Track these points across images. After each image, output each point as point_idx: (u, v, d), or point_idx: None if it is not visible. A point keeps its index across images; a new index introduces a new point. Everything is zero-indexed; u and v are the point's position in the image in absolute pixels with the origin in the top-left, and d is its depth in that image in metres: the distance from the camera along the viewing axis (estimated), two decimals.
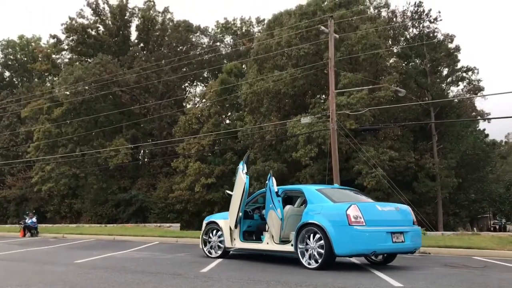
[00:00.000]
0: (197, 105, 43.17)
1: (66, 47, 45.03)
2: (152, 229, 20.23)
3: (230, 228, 9.61)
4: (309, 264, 7.98)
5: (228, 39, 47.94)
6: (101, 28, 44.27)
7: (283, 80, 29.10)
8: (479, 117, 34.86)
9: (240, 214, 9.44)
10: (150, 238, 15.15)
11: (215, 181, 34.93)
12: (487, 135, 41.99)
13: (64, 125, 39.06)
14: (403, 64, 30.34)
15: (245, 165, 9.62)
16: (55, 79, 44.70)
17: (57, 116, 38.38)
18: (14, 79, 53.00)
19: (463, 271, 7.85)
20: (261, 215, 9.94)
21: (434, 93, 30.57)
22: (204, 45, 46.89)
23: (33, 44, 50.77)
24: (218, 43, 47.16)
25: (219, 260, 9.36)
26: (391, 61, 31.41)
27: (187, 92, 49.58)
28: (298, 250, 8.15)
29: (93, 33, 43.56)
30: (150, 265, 8.87)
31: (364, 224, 7.62)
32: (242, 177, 9.31)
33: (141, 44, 45.97)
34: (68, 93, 37.50)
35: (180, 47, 45.58)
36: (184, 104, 46.16)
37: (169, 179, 39.42)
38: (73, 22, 42.31)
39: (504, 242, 11.27)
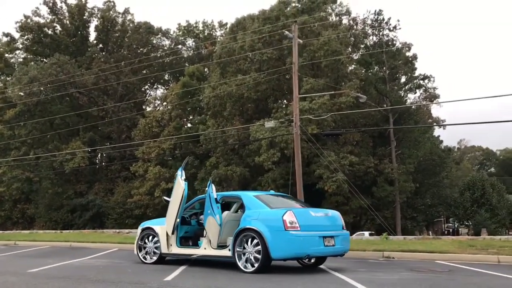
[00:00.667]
0: (158, 108, 42.44)
1: (20, 46, 43.32)
2: (111, 235, 19.55)
3: (167, 234, 9.64)
4: (245, 267, 8.16)
5: (190, 42, 47.49)
6: (58, 27, 42.88)
7: (246, 84, 29.05)
8: (435, 124, 36.00)
9: (178, 220, 9.49)
10: (109, 244, 14.58)
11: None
12: (441, 142, 43.51)
13: (17, 127, 37.50)
14: (363, 71, 30.93)
15: (183, 172, 9.66)
16: (8, 79, 42.90)
17: (10, 117, 36.79)
18: None
19: (430, 275, 7.93)
20: (198, 221, 9.99)
21: (392, 99, 31.34)
22: (165, 48, 46.25)
23: None
24: (179, 46, 46.61)
25: (183, 267, 9.06)
26: (351, 67, 31.99)
27: (147, 95, 48.73)
28: (236, 254, 8.33)
29: (49, 32, 42.13)
30: (111, 273, 8.48)
31: (299, 229, 7.93)
32: (180, 183, 9.36)
33: (100, 45, 44.83)
34: (22, 93, 36.03)
35: (141, 49, 44.80)
36: (144, 107, 45.33)
37: (127, 184, 38.53)
38: (28, 20, 40.79)
39: (465, 246, 11.53)
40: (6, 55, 44.95)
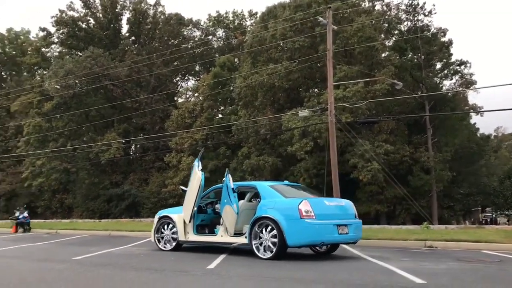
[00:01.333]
0: (190, 99, 42.68)
1: (56, 40, 44.25)
2: (148, 224, 19.84)
3: (184, 222, 10.01)
4: (263, 255, 8.52)
5: (220, 32, 47.46)
6: (91, 21, 43.55)
7: (278, 73, 28.81)
8: (472, 110, 34.87)
9: (195, 208, 9.91)
10: (147, 233, 14.77)
11: (208, 175, 34.44)
12: (477, 129, 42.18)
13: (54, 119, 38.44)
14: (397, 58, 30.17)
15: (200, 162, 10.20)
16: (44, 72, 43.97)
17: (48, 110, 37.74)
18: (2, 73, 52.07)
19: (479, 265, 7.67)
20: (214, 210, 10.44)
21: (428, 86, 30.50)
22: (196, 39, 46.38)
23: (21, 37, 49.86)
24: (210, 37, 46.65)
25: (223, 255, 9.09)
26: (385, 54, 31.26)
27: (179, 86, 49.07)
28: (252, 242, 8.71)
29: (83, 26, 42.84)
30: (153, 261, 8.59)
31: (314, 217, 8.29)
32: (198, 174, 9.86)
33: (132, 38, 45.32)
34: (58, 86, 36.87)
35: (172, 41, 45.04)
36: (175, 99, 45.70)
37: (161, 174, 39.01)
38: (63, 15, 41.57)
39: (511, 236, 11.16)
40: (43, 49, 46.05)
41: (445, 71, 32.67)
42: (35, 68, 48.78)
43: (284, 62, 29.10)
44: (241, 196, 9.97)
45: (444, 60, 32.69)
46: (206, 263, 7.88)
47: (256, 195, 9.70)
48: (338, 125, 26.88)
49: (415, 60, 31.33)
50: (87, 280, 6.39)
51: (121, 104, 39.66)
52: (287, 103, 32.90)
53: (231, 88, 33.97)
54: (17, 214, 20.37)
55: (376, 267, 7.58)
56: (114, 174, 40.08)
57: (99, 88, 39.53)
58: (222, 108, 39.47)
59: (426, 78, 30.52)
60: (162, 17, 44.67)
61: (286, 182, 11.18)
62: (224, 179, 9.40)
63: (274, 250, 8.37)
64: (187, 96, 45.00)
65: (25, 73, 49.44)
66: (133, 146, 44.26)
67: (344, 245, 10.08)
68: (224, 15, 46.71)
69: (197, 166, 10.11)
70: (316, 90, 32.47)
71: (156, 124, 41.68)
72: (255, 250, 8.63)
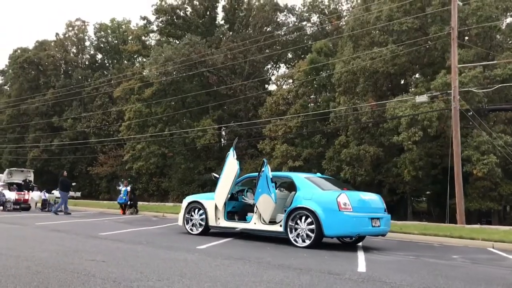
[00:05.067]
0: (283, 86, 41.91)
1: (155, 28, 45.58)
2: None
3: (216, 208, 10.35)
4: (296, 242, 8.94)
5: (314, 18, 46.05)
6: (188, 9, 44.29)
7: (383, 57, 27.03)
8: None
9: (229, 195, 10.29)
10: None
11: (302, 164, 33.68)
12: None
13: (154, 105, 39.62)
14: None
15: (234, 151, 10.55)
16: (144, 60, 45.53)
17: (148, 96, 38.95)
18: (105, 61, 54.93)
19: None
20: (243, 198, 10.89)
21: None
22: (290, 25, 45.42)
23: (123, 26, 52.16)
24: (304, 22, 45.43)
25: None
26: (499, 36, 28.12)
27: (270, 74, 48.54)
28: (288, 230, 9.09)
29: (181, 14, 43.66)
30: (286, 257, 7.79)
31: (351, 210, 8.65)
32: (233, 162, 10.23)
33: (227, 25, 45.44)
34: (158, 73, 37.86)
35: (265, 28, 44.48)
36: (266, 87, 45.25)
37: (254, 161, 38.79)
38: (163, 3, 42.59)
39: None
40: (143, 38, 47.73)
41: None
42: (135, 56, 50.79)
43: (390, 45, 27.20)
44: None
45: None
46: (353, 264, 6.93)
47: (292, 186, 9.99)
48: (450, 114, 24.69)
49: None
50: (227, 276, 5.73)
51: (216, 91, 39.94)
52: (389, 90, 30.99)
53: (328, 74, 32.61)
54: (120, 187, 20.49)
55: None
56: (208, 160, 40.60)
57: (196, 75, 40.09)
58: (317, 95, 38.25)
59: None
60: (257, 3, 44.21)
61: (318, 174, 11.22)
62: (263, 169, 9.62)
63: (311, 239, 8.73)
64: (281, 83, 44.22)
65: (125, 61, 51.69)
66: (223, 132, 44.51)
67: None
68: (320, 0, 45.20)
69: (232, 155, 10.41)
70: (421, 76, 30.18)
71: (249, 111, 41.53)
72: (290, 238, 9.03)
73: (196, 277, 5.30)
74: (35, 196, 21.05)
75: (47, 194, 21.33)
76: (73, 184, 20.33)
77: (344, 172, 29.86)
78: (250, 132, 39.92)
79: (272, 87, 46.09)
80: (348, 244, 10.03)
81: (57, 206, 18.64)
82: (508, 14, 29.64)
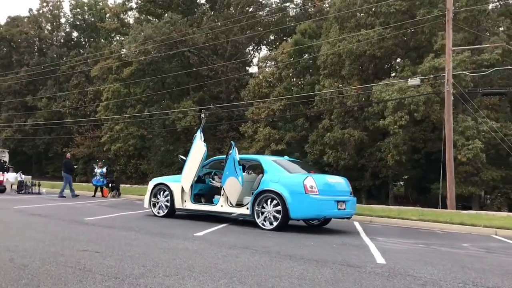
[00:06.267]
0: (266, 68, 41.21)
1: (134, 5, 44.03)
2: None
3: (182, 190, 10.24)
4: (263, 225, 8.94)
5: None
6: None
7: (370, 40, 26.61)
8: None
9: (195, 178, 10.17)
10: None
11: (285, 147, 33.28)
12: None
13: (132, 85, 38.44)
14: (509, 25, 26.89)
15: (202, 133, 10.41)
16: (122, 39, 44.05)
17: (126, 76, 37.73)
18: (82, 39, 53.05)
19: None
20: (211, 180, 10.79)
21: None
22: (273, 6, 44.49)
23: (100, 3, 50.29)
24: (287, 3, 44.57)
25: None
26: (489, 21, 28.05)
27: (252, 56, 47.69)
28: (255, 213, 9.08)
29: None
30: (293, 246, 7.32)
31: (317, 193, 8.71)
32: (201, 144, 10.12)
33: (209, 4, 44.21)
34: (137, 52, 36.63)
35: (247, 8, 43.44)
36: (247, 69, 44.43)
37: (235, 144, 38.24)
38: None
39: None
40: (121, 15, 46.12)
41: None
42: (112, 34, 49.14)
43: (377, 27, 26.78)
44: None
45: None
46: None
47: (258, 169, 10.03)
48: (438, 98, 24.55)
49: None
50: (238, 268, 5.20)
51: (197, 72, 38.95)
52: (374, 73, 30.67)
53: (314, 56, 32.05)
54: (95, 169, 19.75)
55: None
56: (188, 142, 39.71)
57: (176, 55, 38.97)
58: (301, 78, 37.73)
59: None
60: None
61: (286, 157, 11.11)
62: (230, 151, 9.52)
63: (277, 222, 8.75)
64: (264, 65, 43.49)
65: (102, 40, 49.98)
66: (202, 115, 43.62)
67: None
68: None
69: (199, 137, 10.27)
70: (407, 60, 29.95)
71: (231, 93, 40.76)
72: (257, 221, 9.02)
73: (207, 271, 4.76)
74: (10, 177, 20.10)
75: (23, 176, 20.40)
76: (75, 166, 19.83)
77: (327, 156, 29.61)
78: (231, 115, 39.22)
79: (253, 69, 45.37)
80: (314, 226, 10.10)
81: (61, 189, 18.15)
82: None
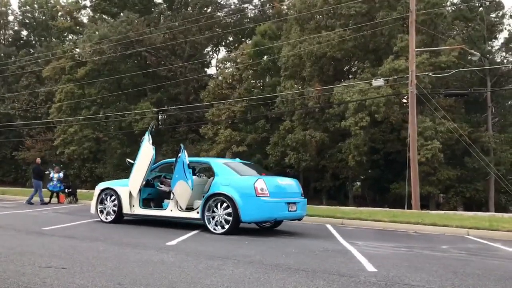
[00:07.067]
0: (227, 70, 40.79)
1: (88, 4, 42.47)
2: None
3: (130, 195, 9.96)
4: (214, 229, 8.74)
5: (256, 0, 45.04)
6: None
7: (330, 42, 26.73)
8: None
9: (143, 182, 9.87)
10: None
11: (246, 149, 33.00)
12: None
13: (87, 86, 37.00)
14: (465, 28, 27.78)
15: (150, 136, 10.10)
16: (76, 38, 42.40)
17: (80, 76, 36.26)
18: (31, 38, 50.69)
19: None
20: (159, 185, 10.46)
21: (492, 61, 28.15)
22: (231, 7, 44.13)
23: (52, 1, 48.14)
24: (246, 5, 44.31)
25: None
26: (444, 24, 28.87)
27: (210, 57, 47.12)
28: (205, 217, 8.88)
29: None
30: (275, 255, 6.96)
31: (268, 195, 8.60)
32: (149, 147, 9.84)
33: (166, 4, 43.26)
34: (91, 51, 35.27)
35: (205, 9, 42.87)
36: (206, 70, 43.83)
37: (195, 146, 37.55)
38: None
39: None
40: (75, 14, 44.39)
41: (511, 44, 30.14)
42: (65, 34, 47.22)
43: (337, 29, 26.95)
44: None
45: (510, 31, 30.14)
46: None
47: (209, 172, 9.86)
48: (397, 100, 24.94)
49: (479, 31, 28.86)
50: (235, 285, 4.77)
51: (155, 73, 38.00)
52: (334, 75, 30.88)
53: (274, 58, 31.90)
54: (51, 174, 18.64)
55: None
56: None
57: (133, 55, 37.88)
58: (262, 79, 37.55)
59: (489, 51, 28.15)
60: None
61: (238, 159, 11.13)
62: (179, 154, 9.28)
63: (228, 225, 8.58)
64: (224, 66, 43.06)
65: (53, 39, 47.91)
66: (160, 116, 42.70)
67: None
68: None
69: (147, 140, 10.04)
70: (366, 62, 30.37)
71: (190, 95, 40.03)
72: (208, 225, 8.81)
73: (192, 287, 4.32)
74: None
75: None
76: (46, 172, 18.45)
77: (288, 158, 29.55)
78: (191, 116, 38.51)
79: (212, 71, 44.80)
80: (266, 229, 9.97)
81: (29, 196, 17.20)
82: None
